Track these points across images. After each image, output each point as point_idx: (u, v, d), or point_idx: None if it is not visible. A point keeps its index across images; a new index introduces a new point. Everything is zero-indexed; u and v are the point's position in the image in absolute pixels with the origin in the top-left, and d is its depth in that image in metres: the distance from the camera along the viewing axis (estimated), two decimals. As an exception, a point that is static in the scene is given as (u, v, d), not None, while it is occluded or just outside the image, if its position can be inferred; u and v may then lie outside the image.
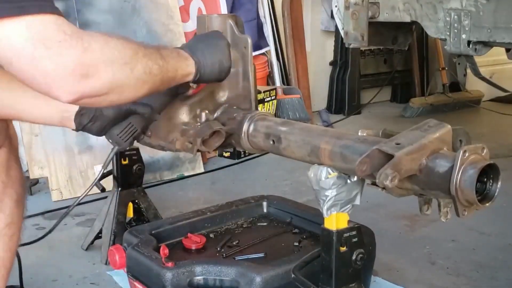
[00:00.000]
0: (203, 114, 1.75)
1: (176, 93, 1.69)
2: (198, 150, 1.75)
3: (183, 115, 1.75)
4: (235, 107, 1.80)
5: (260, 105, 3.89)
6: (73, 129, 1.64)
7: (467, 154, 1.19)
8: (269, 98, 3.95)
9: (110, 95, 1.22)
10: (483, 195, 1.24)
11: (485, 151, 1.23)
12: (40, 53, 1.09)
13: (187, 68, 1.51)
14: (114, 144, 1.70)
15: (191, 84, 1.66)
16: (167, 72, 1.39)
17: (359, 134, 1.44)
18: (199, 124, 1.74)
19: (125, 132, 1.69)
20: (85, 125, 1.61)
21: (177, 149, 1.75)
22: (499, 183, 1.24)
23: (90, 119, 1.61)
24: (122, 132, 1.69)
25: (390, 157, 1.25)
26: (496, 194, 1.24)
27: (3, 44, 1.08)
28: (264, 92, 3.91)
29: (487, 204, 1.24)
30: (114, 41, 1.23)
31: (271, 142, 1.62)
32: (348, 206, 1.47)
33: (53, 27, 1.10)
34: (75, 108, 1.58)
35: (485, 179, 1.24)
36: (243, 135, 1.70)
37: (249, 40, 1.79)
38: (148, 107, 1.64)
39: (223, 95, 1.81)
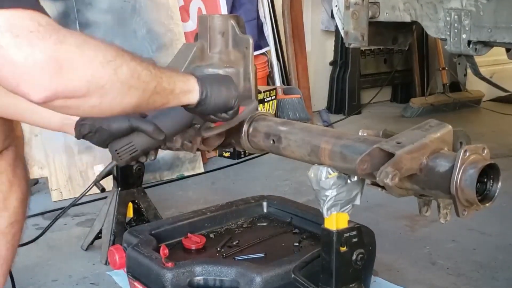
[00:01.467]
0: None
1: (190, 122, 1.58)
2: (198, 149, 1.74)
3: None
4: None
5: (260, 105, 3.89)
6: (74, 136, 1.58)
7: (467, 154, 1.19)
8: (269, 98, 3.95)
9: (90, 98, 1.08)
10: (484, 195, 1.24)
11: (485, 151, 1.23)
12: (7, 41, 0.97)
13: (188, 83, 1.35)
14: (112, 158, 1.61)
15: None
16: (161, 82, 1.24)
17: (360, 134, 1.44)
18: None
19: (124, 150, 1.58)
20: (85, 135, 1.54)
21: (177, 148, 1.74)
22: (500, 183, 1.24)
23: (90, 130, 1.53)
24: (121, 149, 1.58)
25: (390, 155, 1.25)
26: (496, 194, 1.24)
27: None
28: (264, 92, 3.91)
29: (487, 204, 1.24)
30: (95, 41, 1.11)
31: (271, 142, 1.62)
32: (348, 206, 1.47)
33: (26, 17, 1.00)
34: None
35: (486, 179, 1.24)
36: (243, 134, 1.70)
37: (251, 40, 1.79)
38: (152, 125, 1.52)
39: None
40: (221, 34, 1.81)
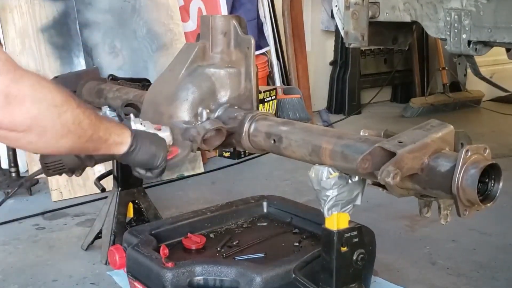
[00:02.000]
0: (204, 113, 1.75)
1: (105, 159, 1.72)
2: (198, 149, 1.75)
3: (184, 113, 1.75)
4: (236, 107, 1.79)
5: (260, 105, 3.89)
6: None
7: (469, 154, 1.19)
8: (269, 98, 3.94)
9: (30, 134, 1.18)
10: (485, 195, 1.24)
11: (487, 151, 1.23)
12: None
13: (122, 136, 1.47)
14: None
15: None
16: (98, 131, 1.36)
17: (361, 134, 1.44)
18: (199, 122, 1.74)
19: (53, 165, 1.77)
20: None
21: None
22: (501, 183, 1.23)
23: None
24: (50, 163, 1.77)
25: (392, 155, 1.25)
26: (497, 194, 1.24)
27: None
28: (264, 92, 3.90)
29: (488, 205, 1.24)
30: (48, 84, 1.21)
31: (272, 142, 1.62)
32: (349, 206, 1.47)
33: None
34: None
35: (487, 180, 1.23)
36: (244, 134, 1.70)
37: (252, 41, 1.79)
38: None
39: (224, 95, 1.80)
40: (223, 34, 1.81)
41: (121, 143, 1.47)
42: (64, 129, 1.25)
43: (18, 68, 1.15)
